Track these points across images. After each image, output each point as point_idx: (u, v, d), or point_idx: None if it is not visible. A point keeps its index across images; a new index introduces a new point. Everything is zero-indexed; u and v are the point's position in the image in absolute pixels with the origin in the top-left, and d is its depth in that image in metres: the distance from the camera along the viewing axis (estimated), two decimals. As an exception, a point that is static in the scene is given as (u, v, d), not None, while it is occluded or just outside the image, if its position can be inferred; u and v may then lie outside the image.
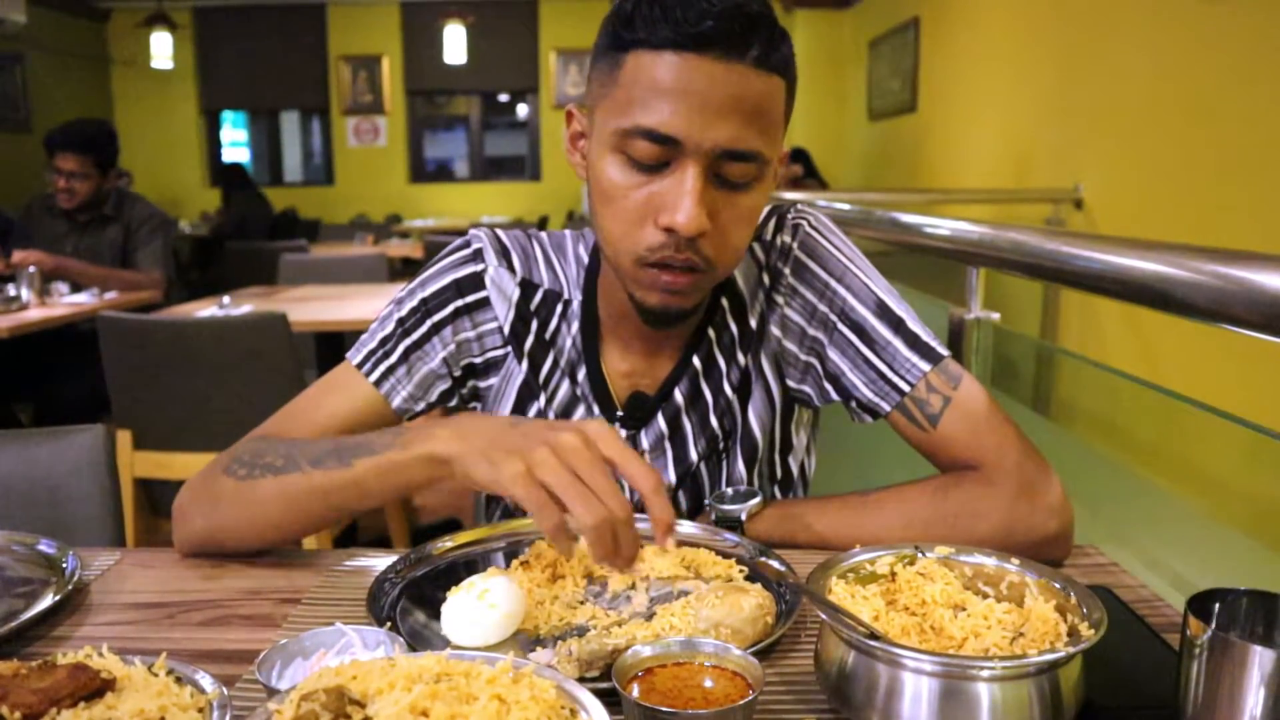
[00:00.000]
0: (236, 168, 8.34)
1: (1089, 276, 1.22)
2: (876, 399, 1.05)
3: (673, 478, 1.10)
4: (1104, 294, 1.20)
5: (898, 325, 1.04)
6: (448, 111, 10.35)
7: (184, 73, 9.35)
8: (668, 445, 1.10)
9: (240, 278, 4.91)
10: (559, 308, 1.11)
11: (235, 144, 10.34)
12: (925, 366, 1.03)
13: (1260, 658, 0.59)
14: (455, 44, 7.90)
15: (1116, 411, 1.67)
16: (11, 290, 3.46)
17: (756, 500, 1.04)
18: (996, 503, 0.98)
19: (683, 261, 0.93)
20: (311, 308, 3.45)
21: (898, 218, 2.07)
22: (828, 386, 1.08)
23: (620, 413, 1.10)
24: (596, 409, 1.10)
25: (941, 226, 1.79)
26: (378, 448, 0.90)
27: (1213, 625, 0.62)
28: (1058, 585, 0.73)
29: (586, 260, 1.12)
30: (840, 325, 1.06)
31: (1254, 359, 2.96)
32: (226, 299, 3.55)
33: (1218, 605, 0.66)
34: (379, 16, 9.44)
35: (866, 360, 1.05)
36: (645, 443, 1.10)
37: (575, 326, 1.11)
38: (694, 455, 1.10)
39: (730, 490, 1.07)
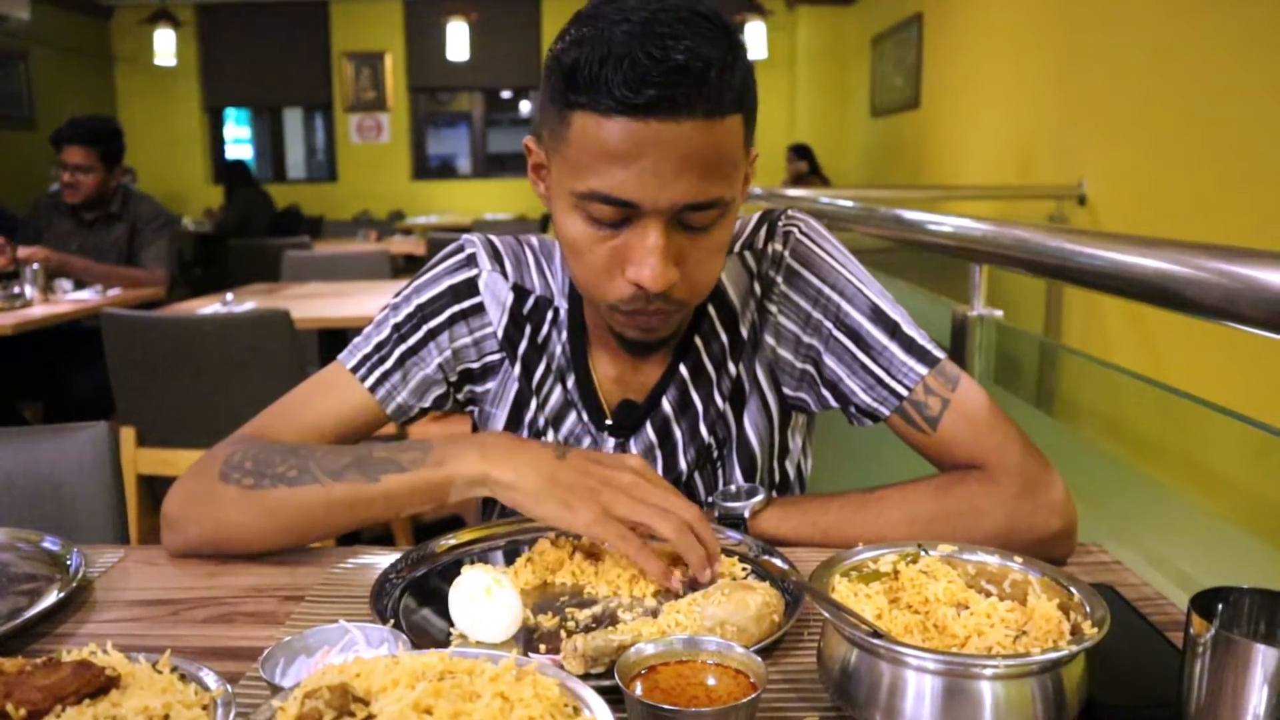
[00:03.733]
0: (239, 164, 8.35)
1: (1092, 274, 1.22)
2: (875, 404, 1.05)
3: None
4: (1108, 291, 1.20)
5: (893, 329, 1.04)
6: (450, 108, 10.35)
7: (187, 70, 9.35)
8: (658, 454, 1.10)
9: (243, 275, 4.91)
10: (549, 314, 1.12)
11: (238, 140, 10.35)
12: (922, 370, 1.03)
13: (1264, 656, 0.59)
14: (458, 40, 7.90)
15: (1120, 409, 1.67)
16: (16, 287, 3.47)
17: (759, 498, 1.04)
18: (999, 501, 0.98)
19: (654, 310, 0.95)
20: (314, 304, 3.45)
21: (901, 215, 2.07)
22: (825, 393, 1.08)
23: (610, 421, 1.10)
24: (586, 415, 1.10)
25: (945, 223, 1.78)
26: (406, 464, 0.92)
27: (1216, 624, 0.62)
28: (1061, 583, 0.73)
29: None
30: (835, 331, 1.05)
31: (1258, 356, 2.96)
32: (230, 296, 3.56)
33: (1221, 604, 0.66)
34: (382, 13, 9.43)
35: (863, 366, 1.04)
36: (634, 451, 1.10)
37: (564, 334, 1.11)
38: (683, 464, 1.10)
39: (733, 487, 1.07)
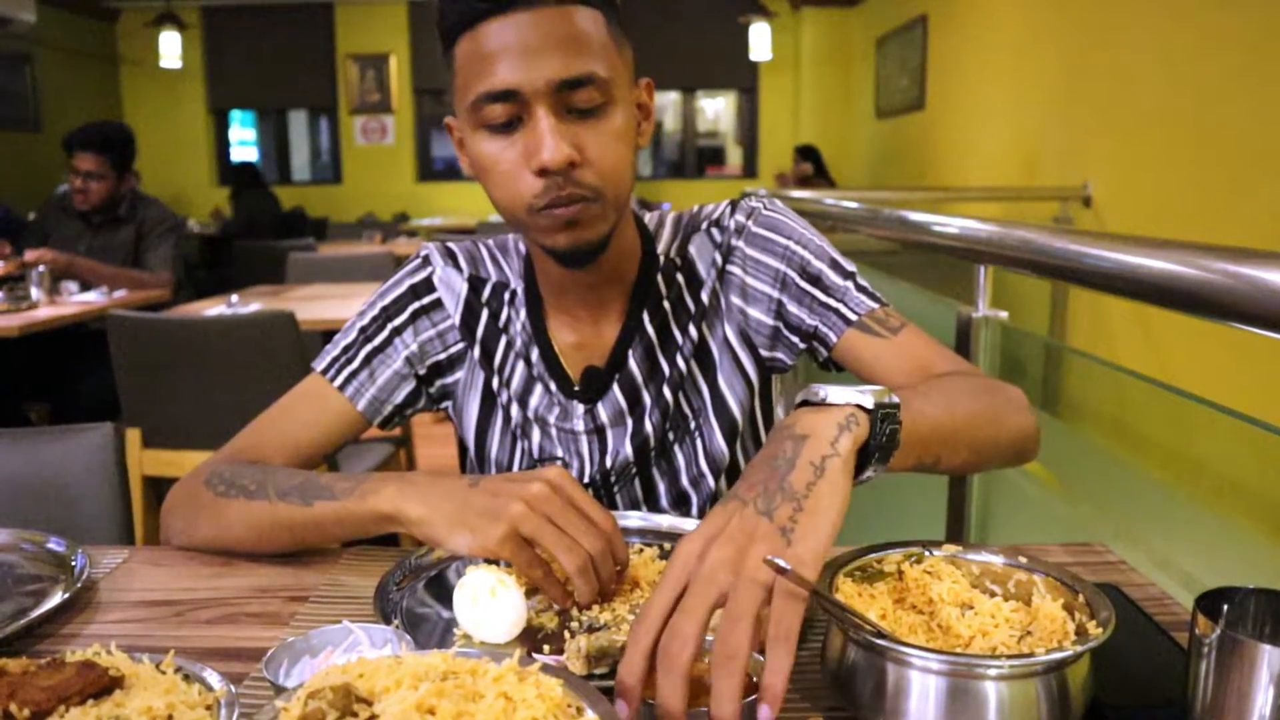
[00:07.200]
0: (248, 166, 8.36)
1: (1098, 275, 1.22)
2: (828, 330, 1.09)
3: (629, 450, 1.12)
4: (1113, 292, 1.19)
5: (849, 275, 1.11)
6: (455, 110, 10.36)
7: (192, 72, 9.38)
8: (628, 420, 1.13)
9: (248, 276, 4.92)
10: (506, 296, 1.17)
11: (243, 143, 10.36)
12: (875, 305, 1.10)
13: (1269, 656, 0.59)
14: (462, 43, 7.89)
15: (1125, 410, 1.67)
16: (22, 289, 3.48)
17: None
18: (981, 380, 1.02)
19: (568, 197, 0.98)
20: (319, 306, 3.46)
21: (905, 216, 2.07)
22: (792, 338, 1.13)
23: (577, 387, 1.13)
24: (554, 385, 1.13)
25: (949, 224, 1.78)
26: (337, 493, 0.96)
27: (1221, 624, 0.62)
28: (1065, 583, 0.73)
29: (525, 251, 1.17)
30: (799, 280, 1.11)
31: (1263, 357, 2.95)
32: (235, 297, 3.57)
33: (1226, 604, 0.66)
34: (387, 15, 9.45)
35: (823, 303, 1.10)
36: (603, 416, 1.13)
37: (523, 312, 1.16)
38: (649, 427, 1.12)
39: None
